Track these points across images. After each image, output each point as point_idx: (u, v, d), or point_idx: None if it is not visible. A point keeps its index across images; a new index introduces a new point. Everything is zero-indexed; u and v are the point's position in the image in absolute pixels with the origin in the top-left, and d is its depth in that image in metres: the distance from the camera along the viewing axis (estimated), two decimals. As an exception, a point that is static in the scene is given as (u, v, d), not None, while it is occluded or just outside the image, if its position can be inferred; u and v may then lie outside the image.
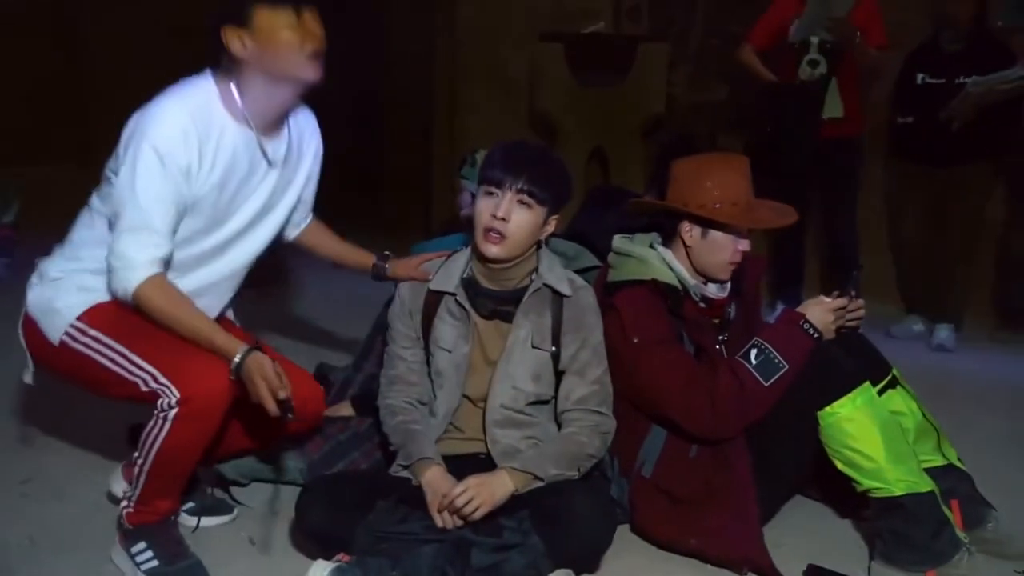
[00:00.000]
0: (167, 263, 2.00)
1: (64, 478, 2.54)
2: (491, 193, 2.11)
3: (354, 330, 3.21)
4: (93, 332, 2.01)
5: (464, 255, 2.24)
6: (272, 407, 1.91)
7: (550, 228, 2.18)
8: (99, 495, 2.32)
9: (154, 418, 1.91)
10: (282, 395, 1.91)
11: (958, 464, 2.36)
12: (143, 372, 1.93)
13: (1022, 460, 2.96)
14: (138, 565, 2.03)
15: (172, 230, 1.98)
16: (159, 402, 1.90)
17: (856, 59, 4.25)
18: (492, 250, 2.11)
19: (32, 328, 2.09)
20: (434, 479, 2.06)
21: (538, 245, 2.20)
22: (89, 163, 5.68)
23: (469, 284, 2.20)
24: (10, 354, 3.14)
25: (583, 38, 5.59)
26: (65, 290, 2.05)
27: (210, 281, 2.17)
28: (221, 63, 2.03)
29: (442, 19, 6.13)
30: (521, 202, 2.10)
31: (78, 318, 2.02)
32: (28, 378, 2.19)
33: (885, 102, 4.65)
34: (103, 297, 2.04)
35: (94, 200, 2.10)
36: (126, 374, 1.94)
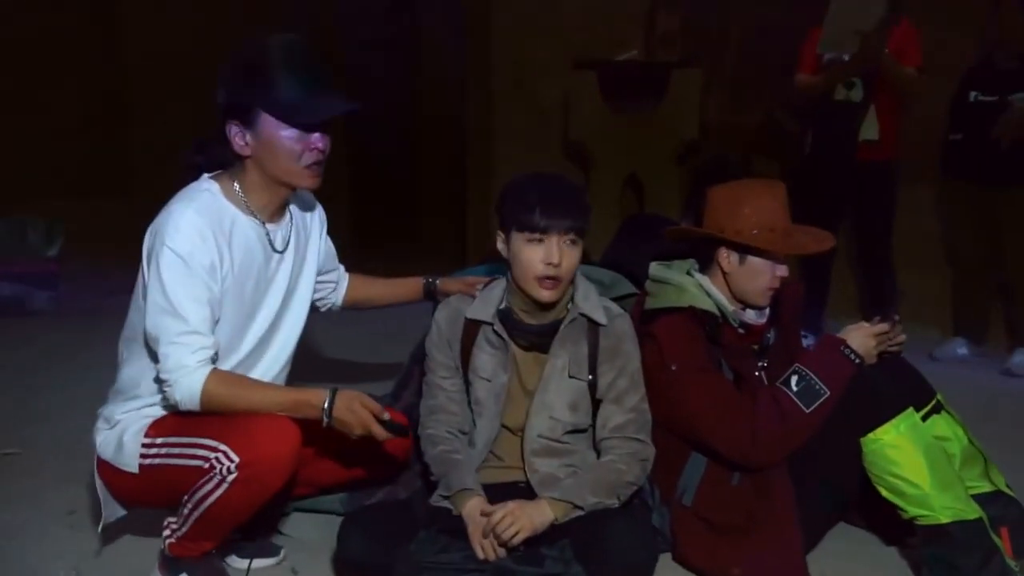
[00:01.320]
0: (215, 359, 2.00)
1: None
2: (538, 241, 2.08)
3: (392, 358, 3.23)
4: (160, 440, 2.02)
5: (500, 286, 2.25)
6: (380, 432, 1.94)
7: (580, 255, 2.19)
8: (143, 527, 2.35)
9: (211, 476, 1.91)
10: (386, 417, 1.95)
11: (1007, 490, 2.32)
12: (210, 451, 1.92)
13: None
14: (180, 597, 2.05)
15: (212, 329, 1.98)
16: (218, 467, 1.89)
17: (889, 78, 4.22)
18: (548, 296, 2.12)
19: (108, 469, 2.10)
20: (475, 509, 2.06)
21: None
22: (129, 197, 5.83)
23: (506, 316, 2.21)
24: (56, 387, 3.20)
25: (616, 66, 5.61)
26: (133, 424, 2.07)
27: (267, 378, 2.17)
28: (225, 153, 2.06)
29: (476, 47, 6.19)
30: (570, 242, 2.10)
31: (145, 435, 2.04)
32: (103, 524, 2.19)
33: (935, 121, 4.59)
34: (162, 413, 2.07)
35: (128, 331, 2.10)
36: (200, 461, 1.93)
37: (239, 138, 2.00)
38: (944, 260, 4.85)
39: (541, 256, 2.08)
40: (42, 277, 5.35)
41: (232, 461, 1.88)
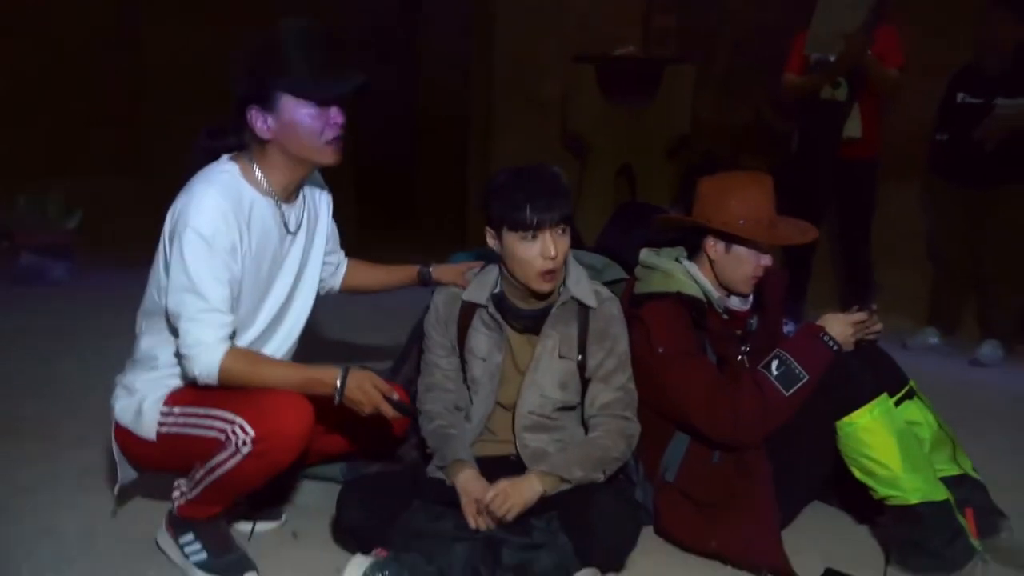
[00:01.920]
0: (233, 337, 1.98)
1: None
2: (532, 237, 2.05)
3: (392, 335, 3.22)
4: (178, 409, 2.00)
5: (495, 270, 2.24)
6: (389, 411, 1.93)
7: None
8: (153, 490, 2.34)
9: (226, 447, 1.90)
10: (395, 397, 1.94)
11: (973, 474, 2.32)
12: (226, 423, 1.91)
13: (1035, 470, 2.91)
14: (187, 556, 2.05)
15: (232, 308, 1.96)
16: (234, 439, 1.88)
17: (872, 78, 4.20)
18: (549, 287, 2.11)
19: (125, 435, 2.08)
20: (468, 480, 2.06)
21: None
22: (144, 177, 5.80)
23: (499, 300, 2.20)
24: (71, 356, 3.19)
25: (614, 60, 5.60)
26: (152, 393, 2.05)
27: (279, 354, 2.16)
28: (239, 139, 2.04)
29: (478, 44, 6.17)
30: (561, 232, 2.08)
31: (163, 404, 2.03)
32: (119, 487, 2.17)
33: (922, 122, 4.59)
34: (181, 384, 2.06)
35: (148, 304, 2.07)
36: (217, 433, 1.92)
37: (260, 122, 1.98)
38: (920, 255, 4.84)
39: (538, 251, 2.06)
40: (60, 248, 5.34)
41: (248, 434, 1.87)
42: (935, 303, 4.72)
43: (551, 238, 2.06)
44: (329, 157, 2.03)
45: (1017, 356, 4.47)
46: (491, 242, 2.14)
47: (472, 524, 2.01)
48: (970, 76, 4.31)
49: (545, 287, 2.10)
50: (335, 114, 1.99)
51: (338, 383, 1.92)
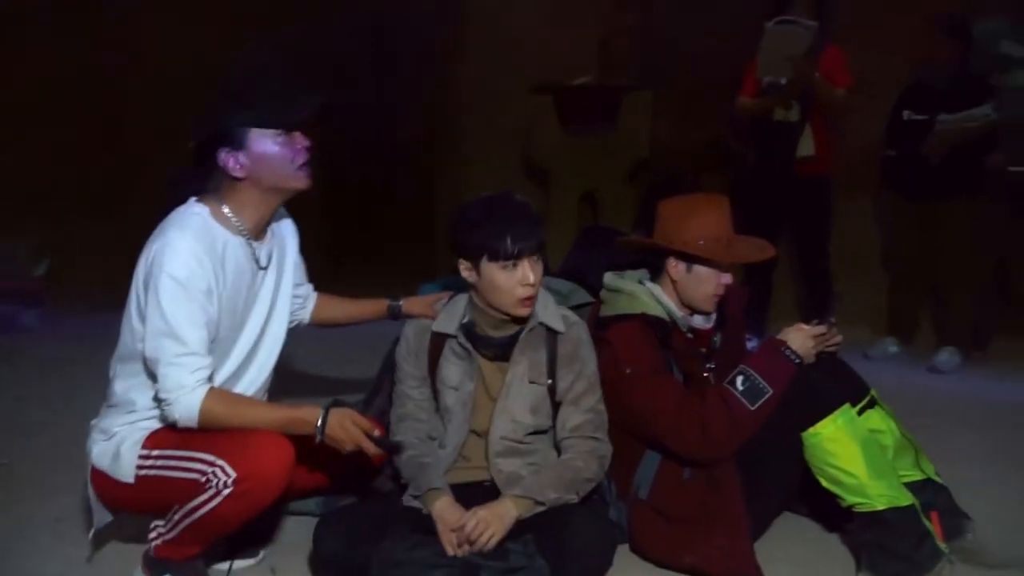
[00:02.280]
0: (211, 379, 1.97)
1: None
2: (513, 266, 2.07)
3: (364, 368, 3.21)
4: (156, 452, 1.99)
5: (463, 300, 2.25)
6: (371, 449, 1.94)
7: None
8: (125, 533, 2.31)
9: (207, 489, 1.88)
10: (376, 433, 1.95)
11: (936, 478, 2.35)
12: (207, 465, 1.89)
13: (996, 473, 2.95)
14: (164, 597, 2.02)
15: (208, 349, 1.96)
16: (215, 480, 1.87)
17: (821, 99, 4.29)
18: (528, 311, 2.14)
19: (102, 479, 2.06)
20: (444, 509, 2.06)
21: None
22: (114, 220, 5.73)
23: (468, 330, 2.21)
24: (43, 401, 3.15)
25: (572, 90, 5.64)
26: (130, 436, 2.03)
27: (250, 392, 2.15)
28: (203, 184, 2.05)
29: (440, 75, 6.20)
30: (537, 259, 2.11)
31: (142, 447, 2.01)
32: (94, 531, 2.15)
33: (872, 138, 4.69)
34: (159, 426, 2.04)
35: (122, 350, 2.06)
36: (197, 475, 1.90)
37: (232, 162, 1.99)
38: (877, 266, 4.93)
39: (518, 279, 2.08)
40: (30, 295, 5.27)
41: (229, 476, 1.86)
42: (893, 313, 4.79)
43: (529, 265, 2.08)
44: (302, 182, 2.05)
45: (974, 362, 4.55)
46: (465, 273, 2.15)
47: (450, 552, 2.01)
48: (915, 94, 4.42)
49: (524, 312, 2.13)
50: (300, 139, 2.03)
51: (319, 422, 1.91)
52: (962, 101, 4.27)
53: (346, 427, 1.92)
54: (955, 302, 4.53)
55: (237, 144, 1.98)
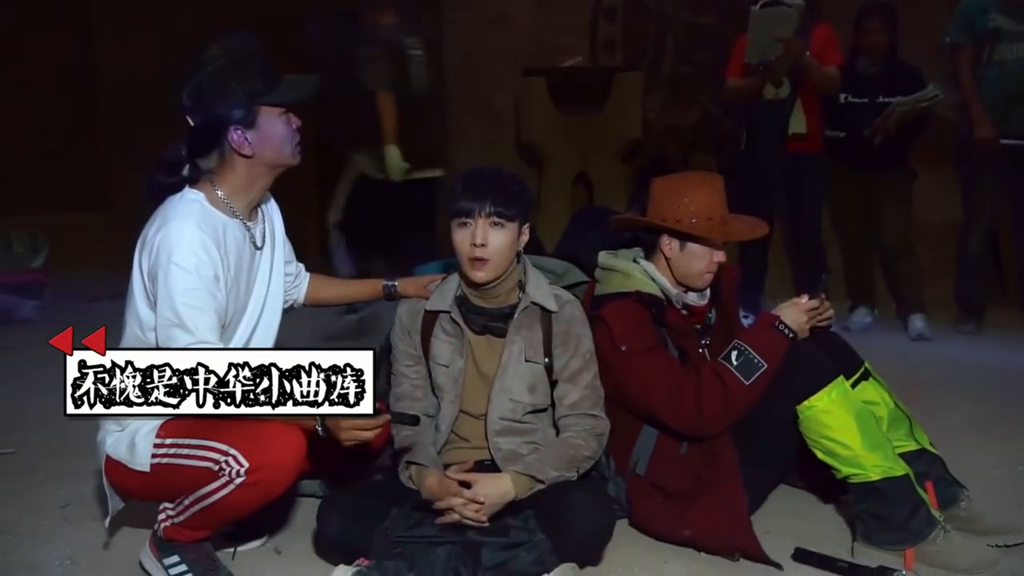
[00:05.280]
0: None
1: (101, 504, 2.53)
2: (464, 224, 2.10)
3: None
4: (170, 440, 1.98)
5: (455, 279, 2.26)
6: (369, 436, 1.91)
7: (525, 237, 2.19)
8: (135, 518, 2.32)
9: (219, 478, 1.88)
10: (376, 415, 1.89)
11: (930, 448, 2.36)
12: (220, 454, 1.89)
13: (989, 443, 2.97)
14: (171, 578, 2.03)
15: (218, 335, 1.96)
16: (227, 470, 1.87)
17: (811, 77, 4.30)
18: (479, 275, 2.12)
19: (117, 467, 2.05)
20: (433, 485, 2.08)
21: (518, 258, 2.21)
22: (108, 212, 5.73)
23: (461, 302, 2.22)
24: (45, 390, 3.16)
25: (563, 72, 5.64)
26: (144, 425, 2.03)
27: None
28: (196, 169, 2.05)
29: (430, 57, 6.17)
30: (494, 223, 2.10)
31: (156, 436, 2.00)
32: (110, 518, 2.14)
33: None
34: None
35: (129, 340, 2.04)
36: (210, 463, 1.89)
37: (240, 140, 2.00)
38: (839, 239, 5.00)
39: (468, 237, 2.10)
40: (28, 287, 5.26)
41: (241, 466, 1.86)
42: (853, 282, 4.90)
43: (482, 227, 2.09)
44: (297, 158, 2.10)
45: (966, 333, 4.59)
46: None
47: (446, 514, 2.02)
48: (850, 78, 4.49)
49: (476, 275, 2.12)
50: (294, 118, 2.06)
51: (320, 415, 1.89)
52: (894, 84, 4.44)
53: (343, 421, 1.89)
54: (901, 266, 4.73)
55: (248, 122, 2.00)
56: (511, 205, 2.11)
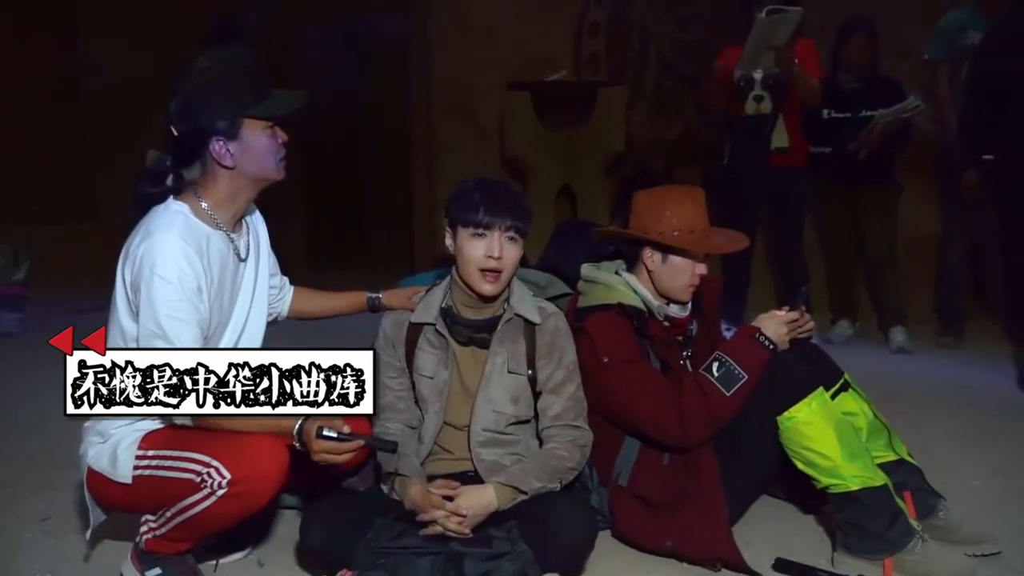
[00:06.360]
0: None
1: (82, 516, 2.52)
2: (481, 235, 2.12)
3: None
4: (152, 452, 1.97)
5: (442, 288, 2.27)
6: (339, 460, 1.92)
7: (521, 253, 2.21)
8: (116, 531, 2.31)
9: (201, 489, 1.88)
10: (346, 429, 1.90)
11: (908, 459, 2.39)
12: (203, 466, 1.88)
13: (966, 453, 3.00)
14: (153, 591, 2.02)
15: (201, 346, 1.96)
16: (210, 481, 1.86)
17: (797, 89, 4.34)
18: (490, 288, 2.14)
19: (99, 480, 2.04)
20: (416, 495, 2.08)
21: None
22: (93, 223, 5.71)
23: (447, 313, 2.23)
24: (26, 402, 3.14)
25: (548, 85, 5.66)
26: (126, 437, 2.02)
27: None
28: (180, 180, 2.06)
29: (417, 71, 6.21)
30: (510, 238, 2.13)
31: (139, 448, 2.00)
32: (91, 530, 2.13)
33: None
34: (155, 426, 2.03)
35: (117, 343, 2.03)
36: (192, 475, 1.89)
37: (222, 151, 2.00)
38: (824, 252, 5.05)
39: (484, 249, 2.11)
40: (9, 300, 5.22)
41: (224, 477, 1.86)
42: (836, 295, 4.95)
43: (499, 239, 2.11)
44: (281, 173, 2.09)
45: (946, 346, 4.64)
46: (448, 242, 2.20)
47: (443, 530, 2.02)
48: (831, 93, 4.54)
49: (487, 288, 2.14)
50: (281, 133, 2.06)
51: (295, 431, 1.90)
52: (876, 98, 4.51)
53: (317, 442, 1.89)
54: (884, 277, 4.79)
55: (231, 134, 1.99)
56: (527, 221, 2.15)
